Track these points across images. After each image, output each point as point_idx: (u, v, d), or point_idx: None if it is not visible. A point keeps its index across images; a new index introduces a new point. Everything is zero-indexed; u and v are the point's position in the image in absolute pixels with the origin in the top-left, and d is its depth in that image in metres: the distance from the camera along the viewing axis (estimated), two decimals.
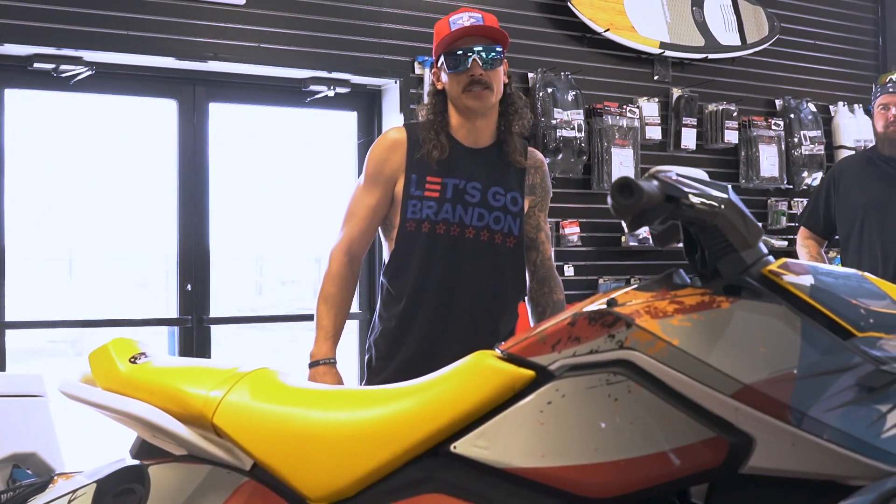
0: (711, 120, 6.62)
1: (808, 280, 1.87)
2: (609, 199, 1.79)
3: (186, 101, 5.47)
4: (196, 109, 5.48)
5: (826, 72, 7.29)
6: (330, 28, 5.55)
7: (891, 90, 4.76)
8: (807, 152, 6.87)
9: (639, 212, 1.78)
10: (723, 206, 1.86)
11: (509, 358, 2.01)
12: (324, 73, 5.58)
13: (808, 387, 1.70)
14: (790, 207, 6.92)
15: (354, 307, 5.90)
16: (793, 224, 6.91)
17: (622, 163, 6.15)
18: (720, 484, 1.84)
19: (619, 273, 6.33)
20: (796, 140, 6.86)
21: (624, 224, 1.86)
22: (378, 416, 2.06)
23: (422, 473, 2.00)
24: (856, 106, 7.26)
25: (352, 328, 5.96)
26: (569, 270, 6.04)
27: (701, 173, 1.96)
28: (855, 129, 7.16)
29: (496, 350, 2.07)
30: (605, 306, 1.93)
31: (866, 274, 1.97)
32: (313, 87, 5.61)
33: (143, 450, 2.29)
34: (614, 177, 6.10)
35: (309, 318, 6.30)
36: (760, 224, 6.24)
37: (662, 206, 1.82)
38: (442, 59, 3.17)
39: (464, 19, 3.14)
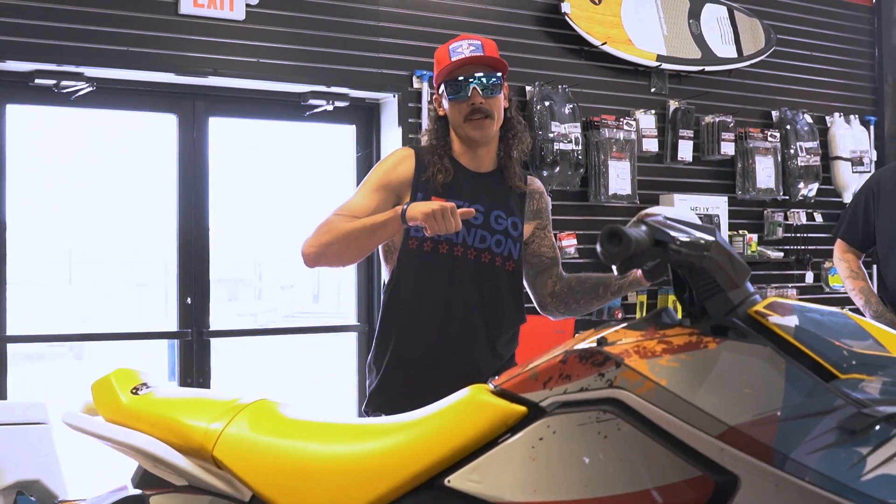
0: (708, 132, 6.66)
1: (792, 321, 1.92)
2: (598, 247, 1.84)
3: (186, 115, 5.51)
4: (196, 124, 5.52)
5: (822, 83, 7.33)
6: (328, 43, 5.59)
7: None
8: (803, 163, 6.91)
9: (628, 257, 1.84)
10: (710, 249, 1.91)
11: (502, 393, 2.06)
12: (323, 88, 5.62)
13: (791, 429, 1.75)
14: (786, 218, 6.97)
15: (352, 319, 5.97)
16: (789, 234, 6.96)
17: (619, 175, 6.19)
18: None
19: None
20: (792, 151, 6.91)
21: (614, 268, 1.91)
22: (374, 450, 2.11)
23: None
24: (852, 117, 7.30)
25: (349, 341, 6.01)
26: None
27: (689, 215, 2.02)
28: (851, 139, 7.20)
29: (489, 385, 2.12)
30: (595, 345, 1.98)
31: (850, 313, 2.02)
32: (312, 102, 5.65)
33: (145, 479, 2.34)
34: (611, 189, 6.16)
35: (305, 330, 6.37)
36: (757, 235, 6.16)
37: (651, 251, 1.87)
38: (442, 86, 3.22)
39: (463, 48, 3.18)
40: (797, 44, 7.22)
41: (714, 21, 6.70)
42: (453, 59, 3.16)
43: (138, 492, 2.31)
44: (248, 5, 5.35)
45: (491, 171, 3.30)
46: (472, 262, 3.19)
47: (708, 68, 6.66)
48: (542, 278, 3.38)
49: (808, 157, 6.93)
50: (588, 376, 1.94)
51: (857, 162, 7.16)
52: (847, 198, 7.20)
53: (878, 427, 1.72)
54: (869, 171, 7.24)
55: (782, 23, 7.14)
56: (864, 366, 1.84)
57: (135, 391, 2.36)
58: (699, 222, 2.00)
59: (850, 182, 7.14)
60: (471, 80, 3.15)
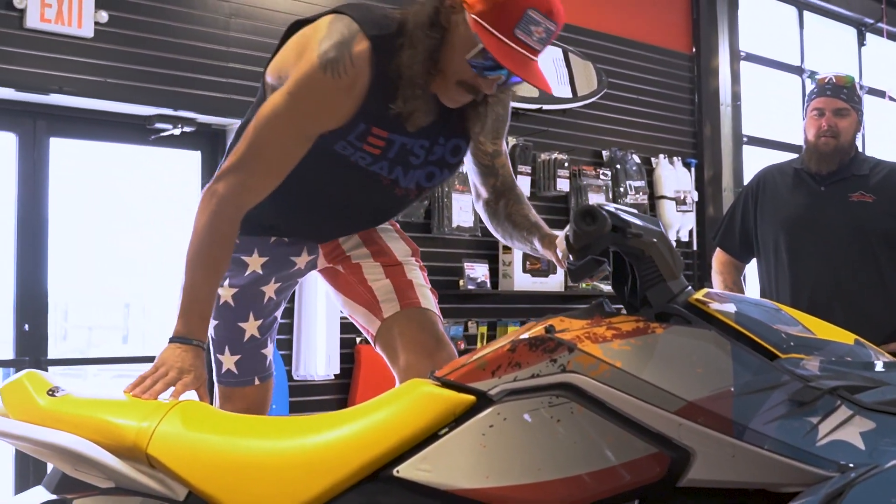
0: (544, 168, 6.87)
1: (731, 307, 2.02)
2: (571, 226, 1.90)
3: (27, 135, 5.31)
4: (36, 144, 5.32)
5: (648, 125, 7.69)
6: (177, 66, 5.50)
7: (829, 93, 4.04)
8: (632, 201, 7.21)
9: (592, 240, 1.90)
10: (658, 238, 1.99)
11: (446, 384, 2.08)
12: (169, 111, 5.52)
13: (746, 402, 1.84)
14: None
15: None
16: None
17: (462, 207, 6.30)
18: (654, 498, 1.96)
19: (457, 316, 6.47)
20: (622, 189, 7.20)
21: (569, 256, 1.97)
22: (317, 444, 2.08)
23: (362, 499, 2.03)
24: (675, 159, 7.69)
25: None
26: None
27: (630, 210, 2.10)
28: (674, 180, 7.57)
29: (430, 378, 2.13)
30: (544, 332, 2.02)
31: (777, 304, 2.14)
32: (158, 125, 5.54)
33: (63, 484, 2.22)
34: (454, 222, 6.26)
35: (133, 360, 6.13)
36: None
37: (609, 236, 1.94)
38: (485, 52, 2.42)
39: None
40: (626, 87, 7.56)
41: (550, 62, 6.93)
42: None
43: (55, 497, 2.20)
44: (97, 23, 5.21)
45: None
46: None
47: (545, 107, 6.88)
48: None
49: (636, 195, 7.24)
50: (539, 363, 1.98)
51: (680, 201, 7.53)
52: (672, 235, 7.55)
53: (824, 398, 1.83)
54: (691, 211, 7.61)
55: (613, 67, 7.46)
56: (801, 347, 1.96)
57: (51, 393, 2.25)
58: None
59: (675, 220, 7.50)
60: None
